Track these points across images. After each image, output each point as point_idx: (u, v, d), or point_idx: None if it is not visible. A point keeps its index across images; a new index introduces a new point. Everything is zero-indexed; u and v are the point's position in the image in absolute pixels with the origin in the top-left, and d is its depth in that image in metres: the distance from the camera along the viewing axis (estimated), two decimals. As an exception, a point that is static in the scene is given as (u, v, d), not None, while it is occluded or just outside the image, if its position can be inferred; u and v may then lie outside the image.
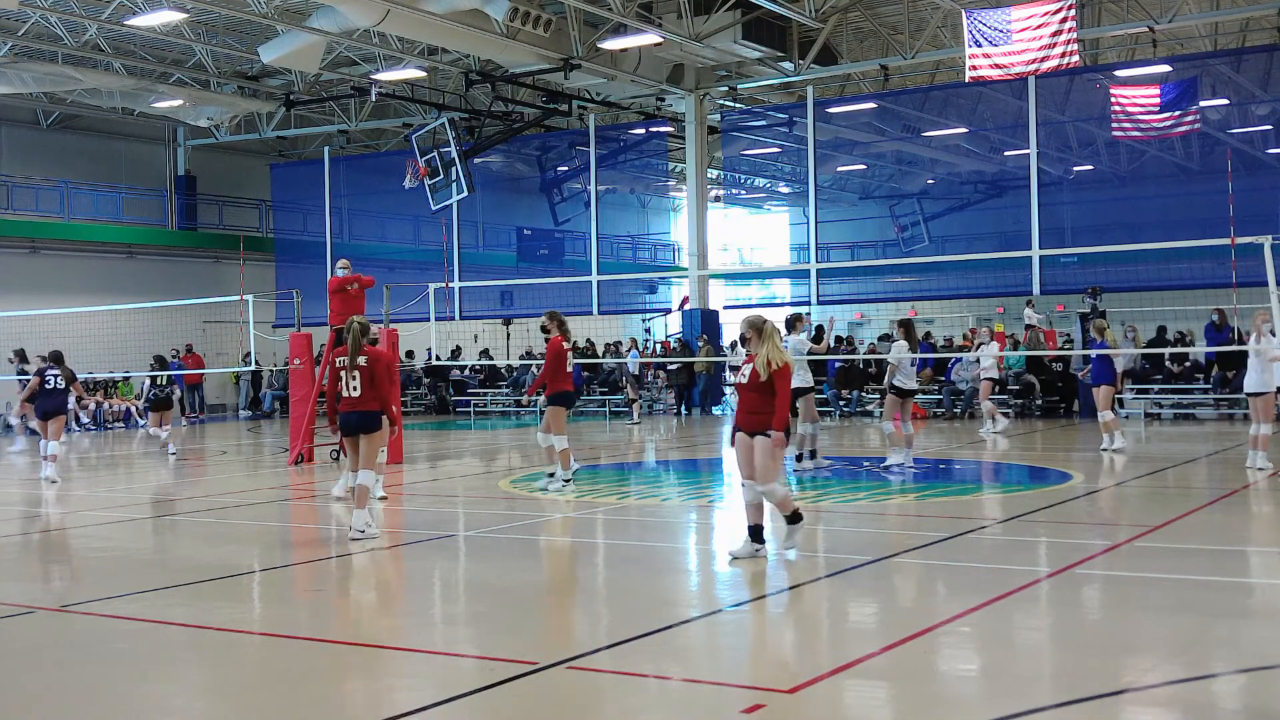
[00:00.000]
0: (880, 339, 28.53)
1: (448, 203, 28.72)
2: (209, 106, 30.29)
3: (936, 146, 31.33)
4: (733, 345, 25.47)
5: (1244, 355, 14.66)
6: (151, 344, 26.53)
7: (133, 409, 27.47)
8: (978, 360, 21.57)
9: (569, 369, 13.43)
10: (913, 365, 15.09)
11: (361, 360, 10.31)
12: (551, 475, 13.51)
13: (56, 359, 17.37)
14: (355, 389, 10.28)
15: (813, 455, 14.93)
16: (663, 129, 32.17)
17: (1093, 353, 15.94)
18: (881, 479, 14.23)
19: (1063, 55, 20.90)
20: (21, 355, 24.58)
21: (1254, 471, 13.54)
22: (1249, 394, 13.86)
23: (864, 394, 26.00)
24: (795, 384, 15.04)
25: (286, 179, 35.55)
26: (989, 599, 7.49)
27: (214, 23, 26.20)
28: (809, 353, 15.15)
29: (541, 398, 14.22)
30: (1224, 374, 22.11)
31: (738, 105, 31.76)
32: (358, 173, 34.79)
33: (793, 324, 15.29)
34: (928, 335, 27.59)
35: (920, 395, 25.04)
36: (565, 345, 13.36)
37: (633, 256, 39.61)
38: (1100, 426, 16.39)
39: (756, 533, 8.93)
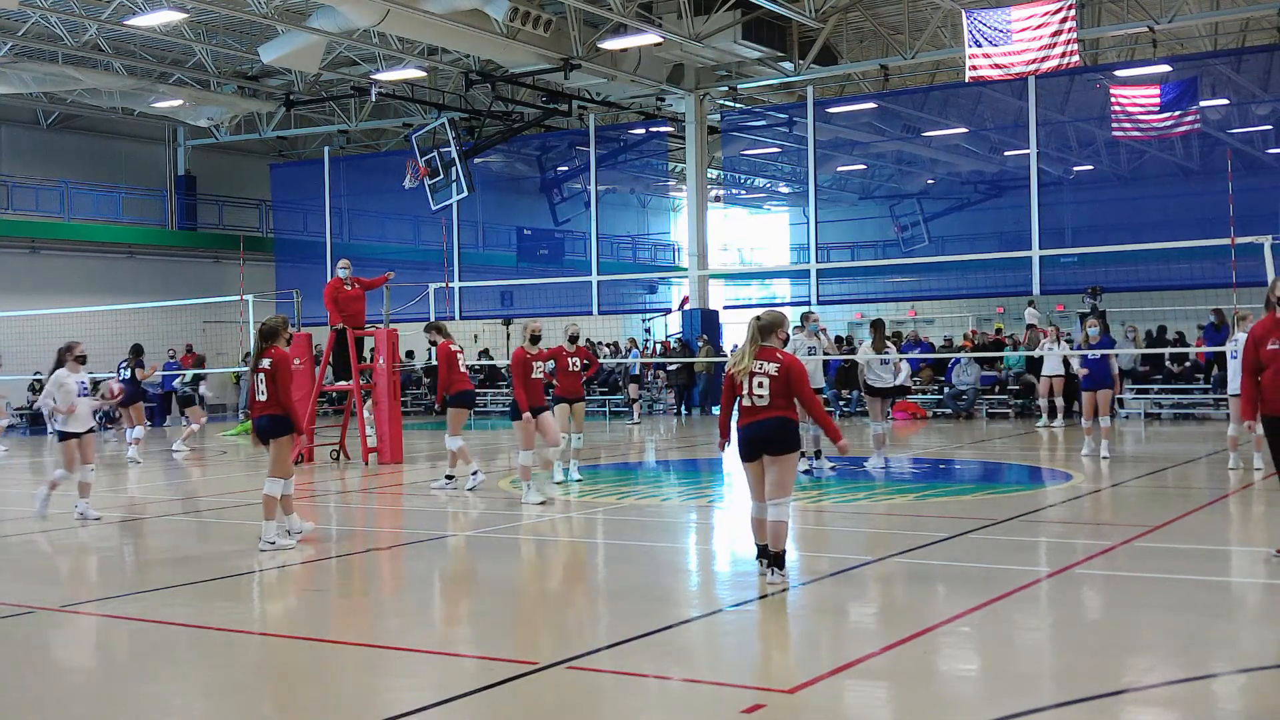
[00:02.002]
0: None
1: (448, 203, 28.71)
2: (209, 106, 30.28)
3: (936, 146, 31.32)
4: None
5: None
6: (152, 344, 26.52)
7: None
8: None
9: (463, 369, 14.35)
10: (884, 364, 15.02)
11: (266, 363, 10.05)
12: (449, 477, 14.01)
13: (134, 351, 19.08)
14: (262, 392, 10.07)
15: (817, 456, 14.84)
16: (663, 129, 32.16)
17: (1096, 353, 15.71)
18: (885, 479, 14.23)
19: (1063, 55, 20.89)
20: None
21: (1244, 473, 13.52)
22: (1233, 394, 13.83)
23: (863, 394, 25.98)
24: None
25: (286, 179, 35.55)
26: (989, 599, 7.50)
27: (214, 23, 26.20)
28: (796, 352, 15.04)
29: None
30: (1223, 374, 22.10)
31: (738, 105, 31.75)
32: (358, 173, 34.78)
33: (802, 322, 15.30)
34: (916, 336, 27.61)
35: (919, 395, 25.16)
36: (453, 348, 14.31)
37: (633, 256, 39.59)
38: (1103, 432, 15.78)
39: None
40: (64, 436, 11.95)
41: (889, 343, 15.60)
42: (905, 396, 22.36)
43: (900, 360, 15.41)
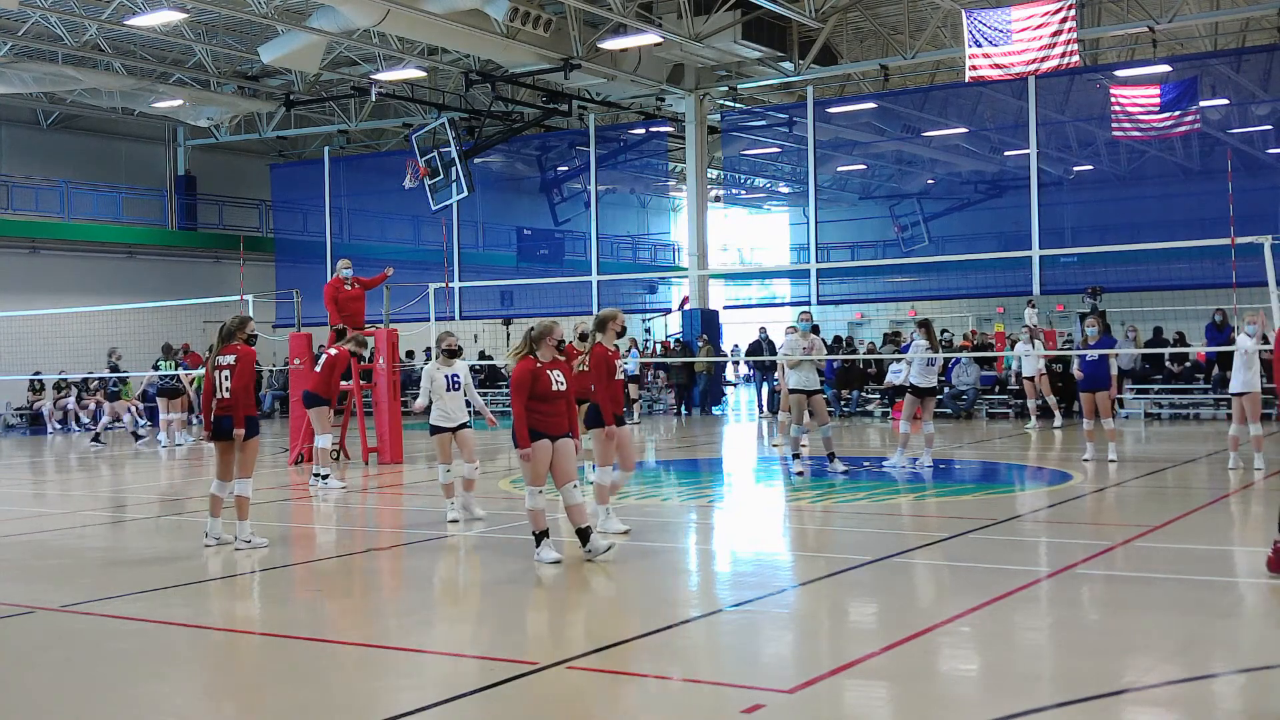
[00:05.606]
0: (887, 338, 28.54)
1: (448, 203, 28.70)
2: (209, 106, 30.27)
3: (936, 146, 31.31)
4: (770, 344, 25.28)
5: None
6: (151, 344, 26.53)
7: (132, 409, 27.47)
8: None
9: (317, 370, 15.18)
10: (930, 365, 14.91)
11: (230, 359, 9.87)
12: (325, 476, 14.40)
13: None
14: (226, 390, 9.86)
15: (796, 457, 14.75)
16: (663, 129, 32.16)
17: (1094, 353, 15.53)
18: (884, 479, 14.23)
19: (1063, 55, 20.89)
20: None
21: (1244, 473, 13.52)
22: (1234, 394, 13.85)
23: (864, 394, 25.98)
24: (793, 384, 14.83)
25: (286, 179, 35.53)
26: (989, 599, 7.49)
27: (214, 23, 26.19)
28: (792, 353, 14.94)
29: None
30: (1224, 374, 22.11)
31: (738, 105, 31.74)
32: (358, 173, 34.77)
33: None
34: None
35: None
36: (331, 352, 15.11)
37: (633, 256, 39.59)
38: (1108, 434, 15.27)
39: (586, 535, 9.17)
40: (435, 430, 11.43)
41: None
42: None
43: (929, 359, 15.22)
